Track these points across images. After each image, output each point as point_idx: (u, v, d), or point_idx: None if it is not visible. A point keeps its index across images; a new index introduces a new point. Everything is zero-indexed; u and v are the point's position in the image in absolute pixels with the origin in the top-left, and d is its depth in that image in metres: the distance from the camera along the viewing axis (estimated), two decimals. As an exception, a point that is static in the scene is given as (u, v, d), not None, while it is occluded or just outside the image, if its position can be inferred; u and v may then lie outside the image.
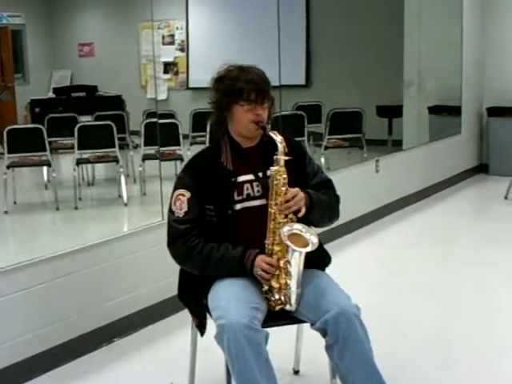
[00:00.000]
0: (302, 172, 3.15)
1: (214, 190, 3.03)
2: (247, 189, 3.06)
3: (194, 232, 3.01)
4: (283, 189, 2.93)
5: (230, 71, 3.05)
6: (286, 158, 2.95)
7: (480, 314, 4.62)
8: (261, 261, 2.91)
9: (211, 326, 2.95)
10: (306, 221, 3.01)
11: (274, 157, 2.95)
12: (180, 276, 3.22)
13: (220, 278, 3.01)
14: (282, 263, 2.91)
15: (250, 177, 3.08)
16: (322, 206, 3.06)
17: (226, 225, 3.02)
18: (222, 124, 3.13)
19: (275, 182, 2.93)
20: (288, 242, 2.86)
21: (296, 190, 2.94)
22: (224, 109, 3.06)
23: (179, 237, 3.02)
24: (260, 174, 3.07)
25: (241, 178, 3.07)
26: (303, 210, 2.93)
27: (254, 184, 3.07)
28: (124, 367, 3.95)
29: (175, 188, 3.09)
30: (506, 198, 8.01)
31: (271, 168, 2.95)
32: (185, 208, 3.01)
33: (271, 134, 2.98)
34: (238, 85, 2.98)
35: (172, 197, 3.08)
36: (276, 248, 2.93)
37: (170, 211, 3.07)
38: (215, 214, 3.02)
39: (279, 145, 2.95)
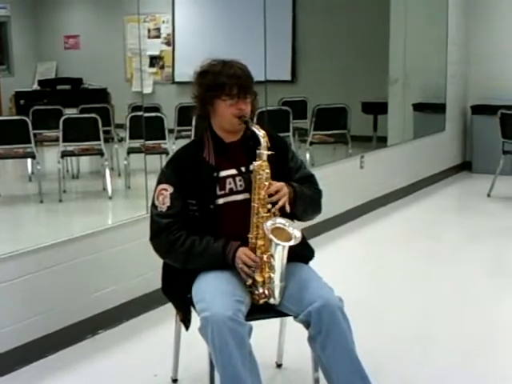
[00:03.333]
0: (284, 167, 3.17)
1: (196, 184, 3.04)
2: (229, 183, 3.08)
3: (177, 226, 3.03)
4: (266, 183, 2.95)
5: (212, 66, 3.07)
6: (269, 152, 2.97)
7: (463, 310, 4.66)
8: (242, 254, 2.93)
9: (195, 319, 2.97)
10: (289, 213, 3.03)
11: (257, 151, 2.97)
12: (163, 271, 3.24)
13: (204, 271, 3.03)
14: (265, 257, 2.93)
15: (233, 171, 3.10)
16: (305, 199, 3.09)
17: (208, 219, 3.04)
18: (205, 118, 3.14)
19: (258, 177, 2.96)
20: (271, 236, 2.88)
21: (280, 184, 2.96)
22: (207, 103, 3.07)
23: (162, 231, 3.04)
24: (243, 169, 3.09)
25: (223, 173, 3.08)
26: (287, 205, 2.95)
27: (237, 178, 3.09)
28: (108, 359, 3.96)
29: (158, 182, 3.11)
30: (488, 195, 8.07)
31: (254, 163, 2.97)
32: (167, 202, 3.03)
33: (254, 128, 3.00)
34: (220, 79, 3.00)
35: (155, 191, 3.10)
36: (259, 242, 2.95)
37: (153, 205, 3.09)
38: (197, 209, 3.04)
39: (262, 139, 2.96)
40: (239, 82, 3.00)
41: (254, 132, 3.00)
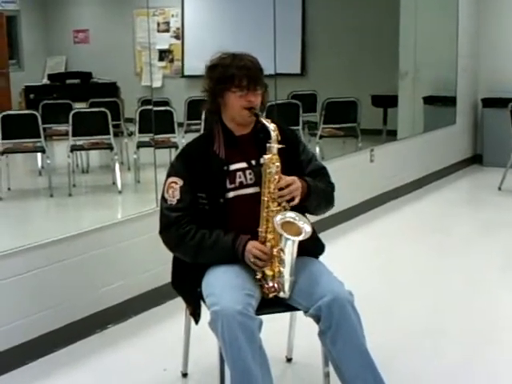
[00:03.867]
0: (296, 160, 3.15)
1: (206, 178, 3.03)
2: (240, 177, 3.07)
3: (186, 219, 3.01)
4: (276, 177, 2.93)
5: (222, 59, 3.06)
6: (279, 146, 2.95)
7: (473, 303, 4.63)
8: (252, 247, 2.92)
9: (205, 313, 2.96)
10: (303, 208, 3.02)
11: (267, 145, 2.95)
12: (173, 265, 3.22)
13: (213, 265, 3.01)
14: (275, 251, 2.91)
15: (243, 165, 3.08)
16: (319, 193, 3.07)
17: (218, 213, 3.03)
18: (216, 112, 3.13)
19: (268, 171, 2.94)
20: (281, 231, 2.86)
21: (292, 178, 2.94)
22: (217, 96, 3.06)
23: (171, 224, 3.03)
24: (253, 162, 3.08)
25: (233, 166, 3.07)
26: (297, 199, 2.93)
27: (247, 172, 3.07)
28: (117, 354, 3.95)
29: (168, 176, 3.10)
30: (499, 188, 8.03)
31: (264, 156, 2.95)
32: (177, 196, 3.02)
33: (264, 121, 2.99)
34: (229, 71, 2.99)
35: (165, 184, 3.09)
36: (269, 236, 2.94)
37: (163, 199, 3.08)
38: (207, 203, 3.03)
39: (272, 133, 2.95)
40: (249, 74, 2.99)
41: (264, 125, 2.98)
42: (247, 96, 2.99)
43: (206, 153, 3.08)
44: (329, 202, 3.19)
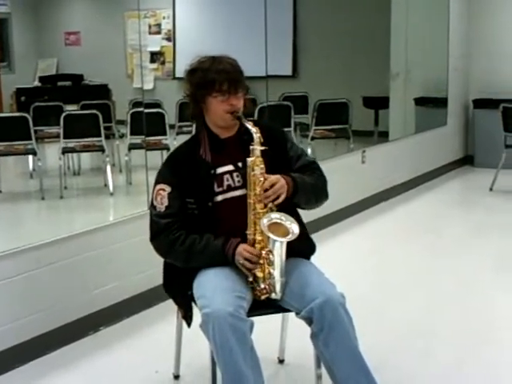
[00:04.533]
0: (284, 157, 3.14)
1: (194, 183, 3.03)
2: (227, 180, 3.07)
3: (176, 226, 3.02)
4: (261, 178, 2.93)
5: (201, 63, 3.05)
6: (262, 148, 2.95)
7: (465, 304, 4.64)
8: (242, 250, 2.92)
9: (197, 315, 2.96)
10: (293, 204, 3.02)
11: (250, 147, 2.95)
12: (164, 268, 3.23)
13: (204, 268, 3.01)
14: (264, 253, 2.91)
15: (230, 167, 3.08)
16: (307, 188, 3.06)
17: (207, 217, 3.03)
18: (200, 116, 3.13)
19: (252, 173, 2.94)
20: (268, 233, 2.86)
21: (276, 177, 2.94)
22: (199, 101, 3.05)
23: (161, 231, 3.03)
24: (240, 164, 3.07)
25: (220, 170, 3.07)
26: (282, 197, 2.92)
27: (234, 174, 3.08)
28: (110, 356, 3.95)
29: (156, 183, 3.10)
30: (491, 189, 8.05)
31: (247, 159, 2.95)
32: (165, 203, 3.03)
33: (247, 124, 2.98)
34: (209, 76, 2.98)
35: (153, 192, 3.09)
36: (258, 238, 2.94)
37: (152, 206, 3.08)
38: (196, 207, 3.03)
39: (254, 135, 2.95)
40: (229, 77, 2.98)
41: (247, 127, 2.98)
42: (229, 100, 2.99)
43: (193, 157, 3.08)
44: (320, 195, 3.17)
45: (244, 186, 3.02)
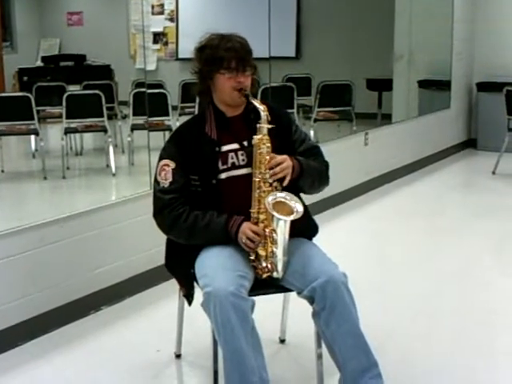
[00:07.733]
0: (288, 139, 3.14)
1: (199, 159, 3.03)
2: (232, 158, 3.06)
3: (179, 202, 3.01)
4: (267, 157, 2.92)
5: (211, 40, 3.04)
6: (269, 126, 2.95)
7: (467, 286, 4.65)
8: (247, 228, 2.91)
9: (198, 294, 2.96)
10: (297, 188, 3.02)
11: (257, 125, 2.95)
12: (167, 246, 3.23)
13: (207, 246, 3.01)
14: (267, 231, 2.91)
15: (235, 146, 3.08)
16: (312, 172, 3.06)
17: (210, 194, 3.03)
18: (207, 93, 3.12)
19: (259, 151, 2.94)
20: (273, 211, 2.86)
21: (283, 157, 2.94)
22: (207, 78, 3.05)
23: (164, 207, 3.03)
24: (245, 143, 3.07)
25: (225, 148, 3.06)
26: (288, 179, 2.93)
27: (239, 153, 3.07)
28: (111, 335, 3.96)
29: (160, 158, 3.09)
30: (493, 172, 8.04)
31: (254, 137, 2.95)
32: (170, 178, 3.02)
33: (254, 102, 2.98)
34: (218, 53, 2.98)
35: (157, 167, 3.08)
36: (262, 216, 2.93)
37: (156, 181, 3.08)
38: (200, 184, 3.03)
39: (262, 113, 2.94)
40: (237, 55, 2.98)
41: (254, 106, 2.97)
42: (236, 77, 2.98)
43: (198, 134, 3.08)
44: (323, 180, 3.18)
45: (248, 164, 3.01)
